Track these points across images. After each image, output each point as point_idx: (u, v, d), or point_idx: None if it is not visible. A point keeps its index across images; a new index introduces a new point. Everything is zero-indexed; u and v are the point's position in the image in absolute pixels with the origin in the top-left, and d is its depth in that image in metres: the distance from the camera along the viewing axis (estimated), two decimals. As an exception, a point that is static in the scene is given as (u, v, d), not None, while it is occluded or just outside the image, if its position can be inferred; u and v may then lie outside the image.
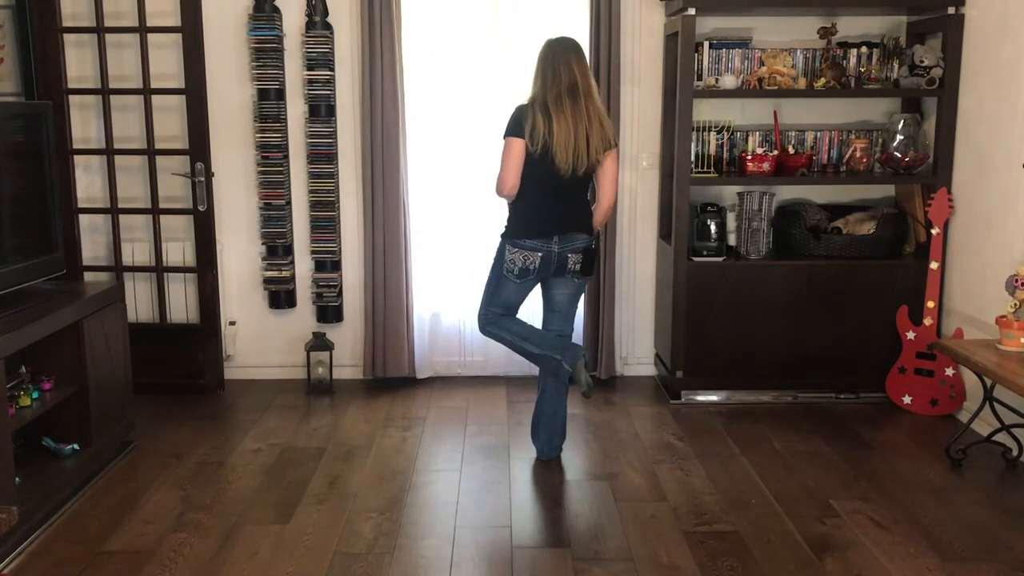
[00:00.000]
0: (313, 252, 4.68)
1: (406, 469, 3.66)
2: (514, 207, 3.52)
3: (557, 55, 3.41)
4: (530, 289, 3.61)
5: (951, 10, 4.14)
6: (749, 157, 4.32)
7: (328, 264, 4.69)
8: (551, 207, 3.46)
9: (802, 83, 4.39)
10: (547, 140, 3.34)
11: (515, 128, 3.39)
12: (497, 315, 3.61)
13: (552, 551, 3.00)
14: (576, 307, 3.70)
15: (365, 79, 4.46)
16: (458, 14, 4.53)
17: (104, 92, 4.39)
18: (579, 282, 3.61)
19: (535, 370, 3.84)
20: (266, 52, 4.43)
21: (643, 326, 4.86)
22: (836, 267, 4.33)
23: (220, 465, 3.70)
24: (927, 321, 4.23)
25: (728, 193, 4.61)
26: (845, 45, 4.44)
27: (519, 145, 3.37)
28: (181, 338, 4.55)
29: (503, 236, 3.55)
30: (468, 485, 3.52)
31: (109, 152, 4.44)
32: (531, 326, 3.62)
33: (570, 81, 3.37)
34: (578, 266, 3.53)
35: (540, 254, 3.47)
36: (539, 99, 3.39)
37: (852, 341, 4.37)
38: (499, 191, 3.46)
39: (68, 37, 4.37)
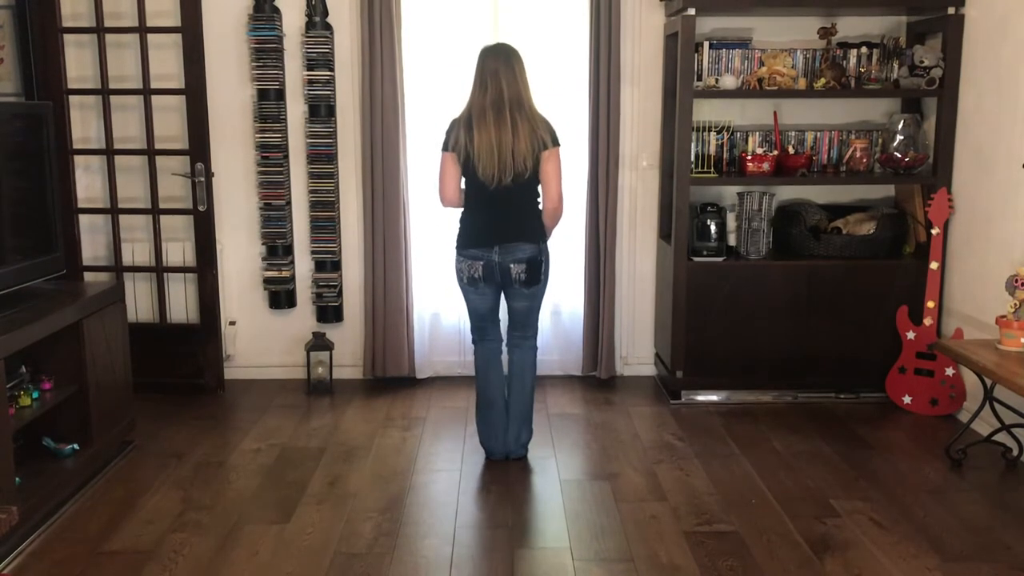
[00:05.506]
0: (313, 252, 4.68)
1: (406, 469, 3.66)
2: (461, 217, 3.63)
3: (486, 66, 3.47)
4: (491, 295, 3.64)
5: (951, 10, 4.14)
6: (749, 157, 4.32)
7: (328, 264, 4.69)
8: (489, 217, 3.53)
9: (802, 83, 4.39)
10: (470, 152, 3.43)
11: (444, 143, 3.53)
12: (479, 334, 3.70)
13: (551, 551, 3.00)
14: (534, 315, 3.70)
15: (365, 79, 4.46)
16: (458, 14, 4.53)
17: (104, 92, 4.39)
18: (528, 292, 3.60)
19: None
20: (266, 52, 4.43)
21: (643, 326, 4.86)
22: (836, 267, 4.33)
23: (220, 465, 3.70)
24: (927, 321, 4.23)
25: (728, 193, 4.61)
26: (845, 45, 4.44)
27: (448, 159, 3.52)
28: (181, 338, 4.55)
29: (455, 247, 3.63)
30: (468, 485, 3.52)
31: (109, 152, 4.44)
32: (496, 386, 3.68)
33: (496, 94, 3.42)
34: (523, 276, 3.54)
35: (481, 263, 3.54)
36: (465, 114, 3.49)
37: (852, 341, 4.37)
38: (440, 203, 3.63)
39: (68, 37, 4.37)
